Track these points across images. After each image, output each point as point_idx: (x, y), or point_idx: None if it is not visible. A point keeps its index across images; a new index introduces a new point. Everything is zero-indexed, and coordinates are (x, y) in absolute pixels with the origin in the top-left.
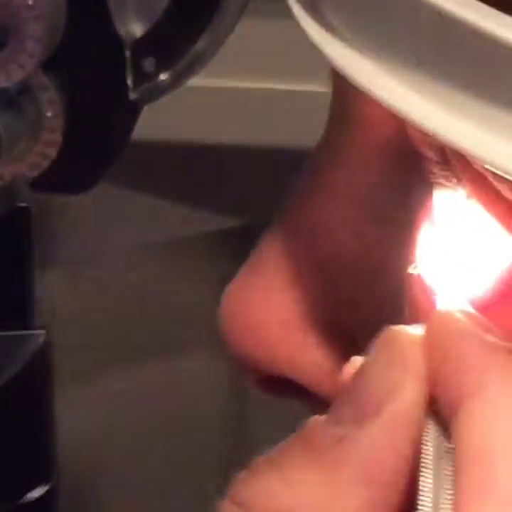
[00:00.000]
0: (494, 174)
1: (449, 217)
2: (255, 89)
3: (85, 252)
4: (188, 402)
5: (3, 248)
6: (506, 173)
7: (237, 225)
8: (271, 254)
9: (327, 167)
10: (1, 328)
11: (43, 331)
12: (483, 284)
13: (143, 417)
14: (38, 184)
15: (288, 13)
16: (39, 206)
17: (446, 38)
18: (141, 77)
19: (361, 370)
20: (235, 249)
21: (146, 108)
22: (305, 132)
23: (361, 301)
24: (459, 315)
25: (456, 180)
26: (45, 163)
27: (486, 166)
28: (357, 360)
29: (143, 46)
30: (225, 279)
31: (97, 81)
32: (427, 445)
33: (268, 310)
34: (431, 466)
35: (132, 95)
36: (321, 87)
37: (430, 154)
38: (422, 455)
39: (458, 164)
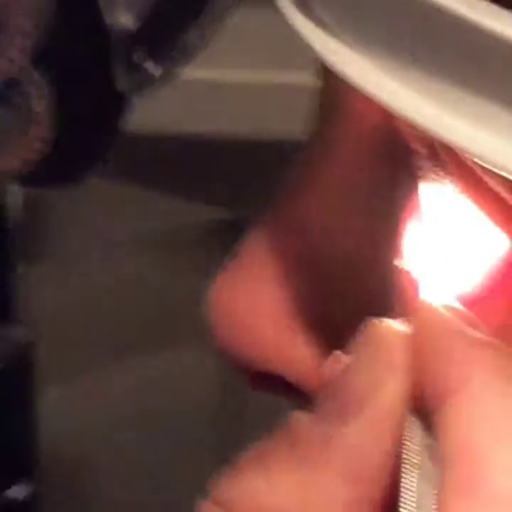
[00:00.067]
0: (484, 169)
1: (437, 212)
2: (247, 81)
3: (76, 246)
4: (180, 397)
5: None
6: (496, 167)
7: (229, 217)
8: (258, 248)
9: (317, 161)
10: None
11: (25, 330)
12: (470, 278)
13: (137, 412)
14: (29, 179)
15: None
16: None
17: (438, 32)
18: (131, 69)
19: (345, 365)
20: (227, 241)
21: (136, 100)
22: (297, 124)
23: (351, 296)
24: (444, 310)
25: (445, 175)
26: (35, 158)
27: (476, 161)
28: (338, 355)
29: (133, 38)
30: (217, 271)
31: (86, 74)
32: (409, 441)
33: (255, 305)
34: (413, 463)
35: (122, 87)
36: (315, 80)
37: (419, 148)
38: (404, 452)
39: (447, 158)
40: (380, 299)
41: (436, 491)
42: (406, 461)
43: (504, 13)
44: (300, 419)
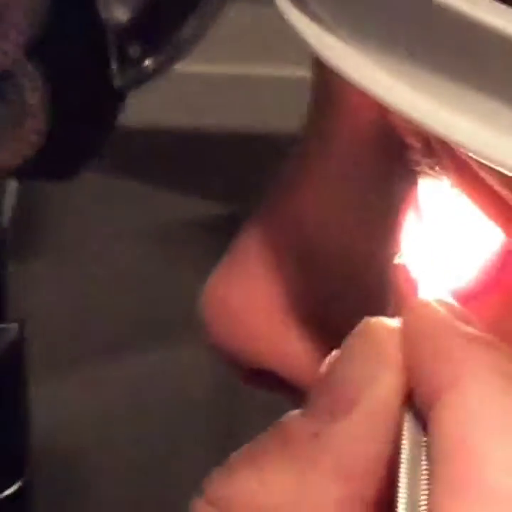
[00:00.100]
0: (479, 163)
1: (433, 207)
2: (243, 75)
3: (71, 240)
4: (175, 393)
5: None
6: (492, 162)
7: (225, 211)
8: (253, 243)
9: (312, 155)
10: None
11: (15, 325)
12: (465, 273)
13: (131, 408)
14: (24, 172)
15: None
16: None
17: (435, 27)
18: (126, 63)
19: (336, 363)
20: (223, 235)
21: (131, 94)
22: (293, 118)
23: (346, 293)
24: (437, 305)
25: (440, 170)
26: (29, 151)
27: (471, 155)
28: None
29: (128, 32)
30: (213, 266)
31: (81, 68)
32: (404, 439)
33: (249, 301)
34: (408, 461)
35: (117, 81)
36: (310, 73)
37: (415, 143)
38: (400, 450)
39: (443, 153)
40: (376, 295)
41: (431, 488)
42: (401, 460)
43: (503, 8)
44: (292, 416)
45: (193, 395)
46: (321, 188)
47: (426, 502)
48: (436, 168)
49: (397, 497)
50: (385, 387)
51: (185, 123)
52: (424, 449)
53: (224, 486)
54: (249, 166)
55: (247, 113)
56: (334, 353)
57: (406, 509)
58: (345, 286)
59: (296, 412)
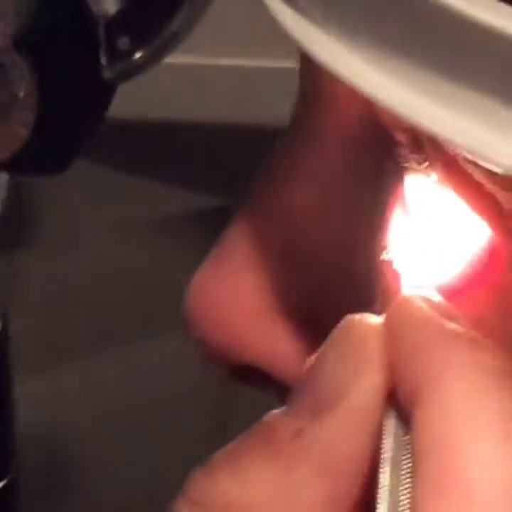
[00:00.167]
0: (467, 159)
1: (420, 202)
2: (235, 67)
3: (61, 233)
4: (167, 385)
5: None
6: (479, 158)
7: (216, 204)
8: (239, 239)
9: (296, 150)
10: None
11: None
12: (453, 269)
13: (121, 401)
14: (11, 166)
15: None
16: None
17: (424, 23)
18: (116, 55)
19: (319, 360)
20: (214, 228)
21: (121, 86)
22: (286, 110)
23: (332, 289)
24: (420, 301)
25: (427, 164)
26: (18, 144)
27: (459, 151)
28: None
29: (117, 24)
30: (204, 259)
31: (70, 59)
32: (386, 437)
33: (236, 297)
34: (389, 460)
35: (106, 74)
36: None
37: (402, 138)
38: (381, 448)
39: (430, 148)
40: (364, 291)
41: (413, 486)
42: (383, 459)
43: (495, 4)
44: (275, 415)
45: (185, 387)
46: (308, 184)
47: (408, 500)
48: (424, 163)
49: (378, 495)
50: (366, 385)
51: (175, 115)
52: (406, 447)
53: (207, 485)
54: (241, 158)
55: (239, 105)
56: (318, 350)
57: (388, 508)
58: (331, 282)
59: (278, 410)
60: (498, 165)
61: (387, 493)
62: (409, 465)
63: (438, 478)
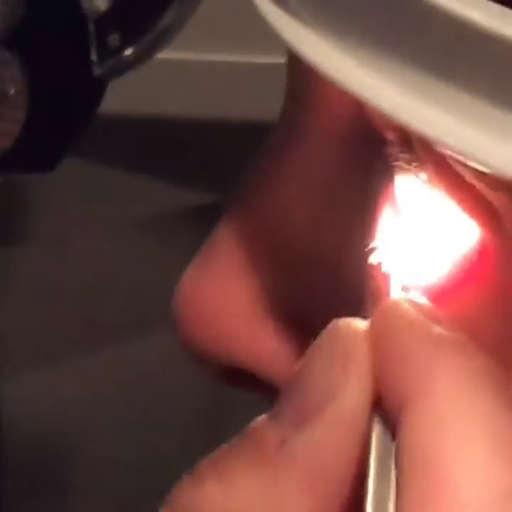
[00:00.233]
0: (456, 159)
1: (410, 202)
2: (226, 63)
3: (53, 230)
4: (157, 381)
5: None
6: (469, 159)
7: (209, 201)
8: (227, 239)
9: (285, 149)
10: None
11: None
12: (442, 269)
13: (117, 398)
14: (1, 164)
15: None
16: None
17: (414, 23)
18: (106, 52)
19: (304, 366)
20: (207, 225)
21: (112, 82)
22: (278, 106)
23: (322, 289)
24: (406, 305)
25: (417, 164)
26: (8, 142)
27: (449, 152)
28: None
29: (107, 21)
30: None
31: (60, 57)
32: (372, 446)
33: (224, 298)
34: (376, 467)
35: (97, 71)
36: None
37: (392, 137)
38: (368, 455)
39: (420, 148)
40: (353, 294)
41: (399, 497)
42: (370, 464)
43: (486, 3)
44: (260, 422)
45: (176, 383)
46: (297, 183)
47: (395, 509)
48: (414, 162)
49: (365, 503)
50: (352, 392)
51: (166, 112)
52: (393, 456)
53: (193, 492)
54: (234, 154)
55: (231, 101)
56: (304, 355)
57: None
58: (321, 282)
59: (264, 417)
60: (488, 166)
61: (374, 501)
62: (397, 475)
63: (425, 489)
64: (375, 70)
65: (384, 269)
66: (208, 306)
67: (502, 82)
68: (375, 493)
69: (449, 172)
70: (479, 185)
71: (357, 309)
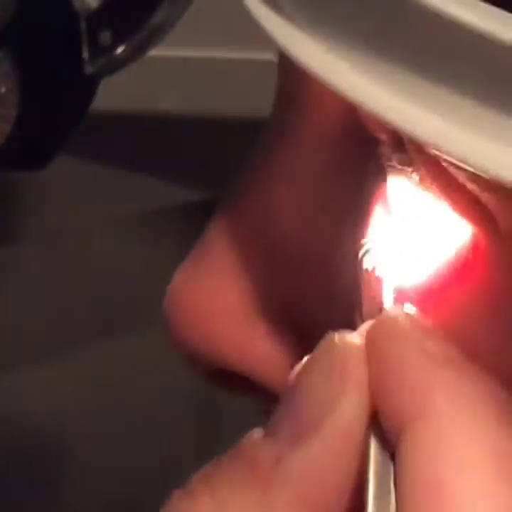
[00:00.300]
0: (448, 161)
1: (402, 202)
2: (222, 59)
3: (47, 227)
4: (158, 382)
5: None
6: (463, 162)
7: (203, 199)
8: (219, 239)
9: (276, 149)
10: None
11: None
12: (435, 269)
13: (111, 397)
14: None
15: None
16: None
17: (405, 23)
18: (98, 50)
19: (299, 382)
20: (202, 222)
21: (105, 79)
22: (271, 104)
23: (312, 291)
24: (401, 319)
25: (409, 165)
26: (0, 140)
27: (442, 154)
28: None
29: (99, 19)
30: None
31: (52, 54)
32: (370, 464)
33: (215, 299)
34: (374, 487)
35: (88, 69)
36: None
37: (384, 138)
38: (367, 475)
39: (412, 149)
40: (345, 294)
41: None
42: (367, 485)
43: (477, 4)
44: (254, 438)
45: (170, 382)
46: (288, 184)
47: None
48: (406, 163)
49: None
50: (348, 410)
51: (159, 109)
52: (392, 474)
53: (185, 506)
54: (228, 152)
55: (224, 99)
56: (298, 367)
57: None
58: (312, 284)
59: (259, 432)
60: (479, 168)
61: None
62: (395, 495)
63: (427, 511)
64: (368, 72)
65: (376, 271)
66: (200, 306)
67: (493, 84)
68: (372, 510)
69: (441, 173)
70: (471, 187)
71: (348, 311)
